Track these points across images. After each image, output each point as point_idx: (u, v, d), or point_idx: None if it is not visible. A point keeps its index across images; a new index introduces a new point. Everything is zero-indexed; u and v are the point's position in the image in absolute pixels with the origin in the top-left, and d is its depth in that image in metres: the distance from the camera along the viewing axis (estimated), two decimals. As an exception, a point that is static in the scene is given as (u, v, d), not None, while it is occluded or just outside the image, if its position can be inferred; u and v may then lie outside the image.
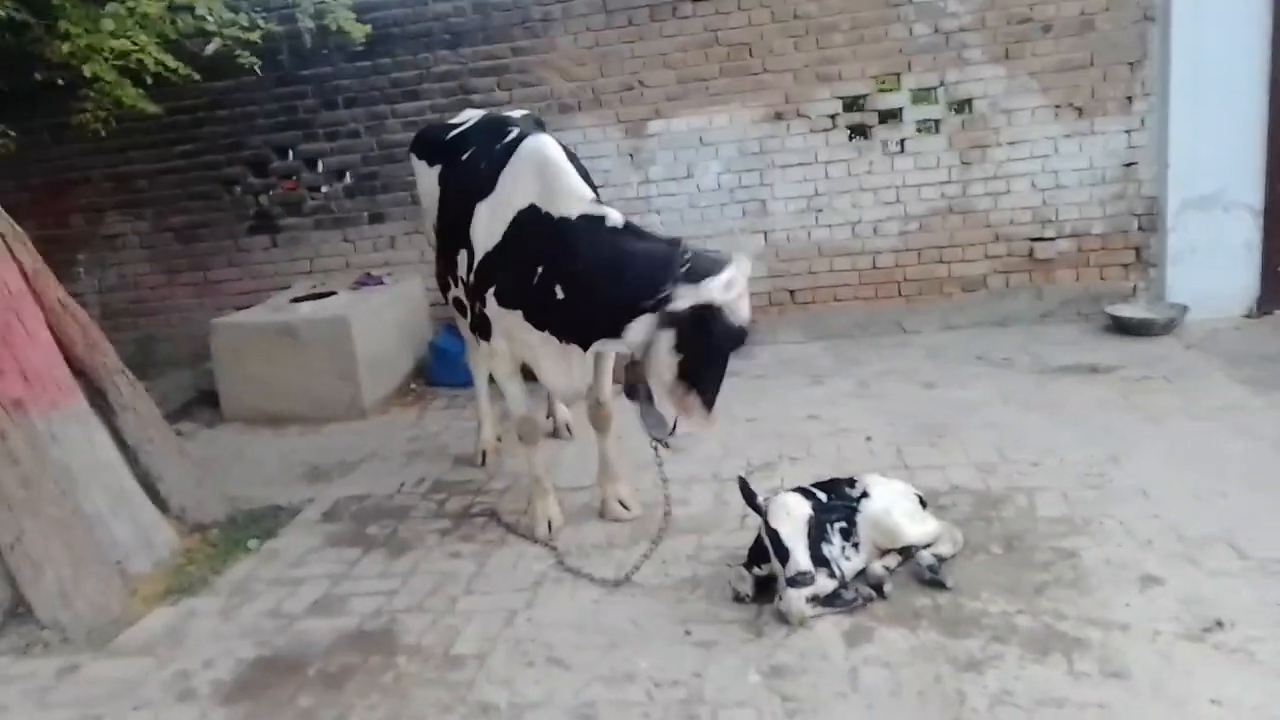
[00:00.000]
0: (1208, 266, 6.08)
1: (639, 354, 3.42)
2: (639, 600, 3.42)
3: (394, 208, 7.05)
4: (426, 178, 4.54)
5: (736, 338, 3.24)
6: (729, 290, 3.16)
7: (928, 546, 3.37)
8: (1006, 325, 6.45)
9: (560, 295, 3.53)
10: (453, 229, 4.06)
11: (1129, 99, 6.10)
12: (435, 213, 4.45)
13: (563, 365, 3.77)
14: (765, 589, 3.29)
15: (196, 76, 5.35)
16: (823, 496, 3.42)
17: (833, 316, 6.64)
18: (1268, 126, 5.84)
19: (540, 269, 3.56)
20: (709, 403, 3.37)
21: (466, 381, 6.36)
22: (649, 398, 3.49)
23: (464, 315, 4.25)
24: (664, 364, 3.32)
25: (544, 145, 3.65)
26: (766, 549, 3.17)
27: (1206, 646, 2.79)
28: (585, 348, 3.66)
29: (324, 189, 7.12)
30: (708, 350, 3.28)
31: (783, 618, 3.13)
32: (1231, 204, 5.99)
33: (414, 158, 4.70)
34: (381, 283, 6.78)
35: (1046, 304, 6.46)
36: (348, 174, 7.07)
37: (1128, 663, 2.74)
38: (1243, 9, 5.71)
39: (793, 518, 3.05)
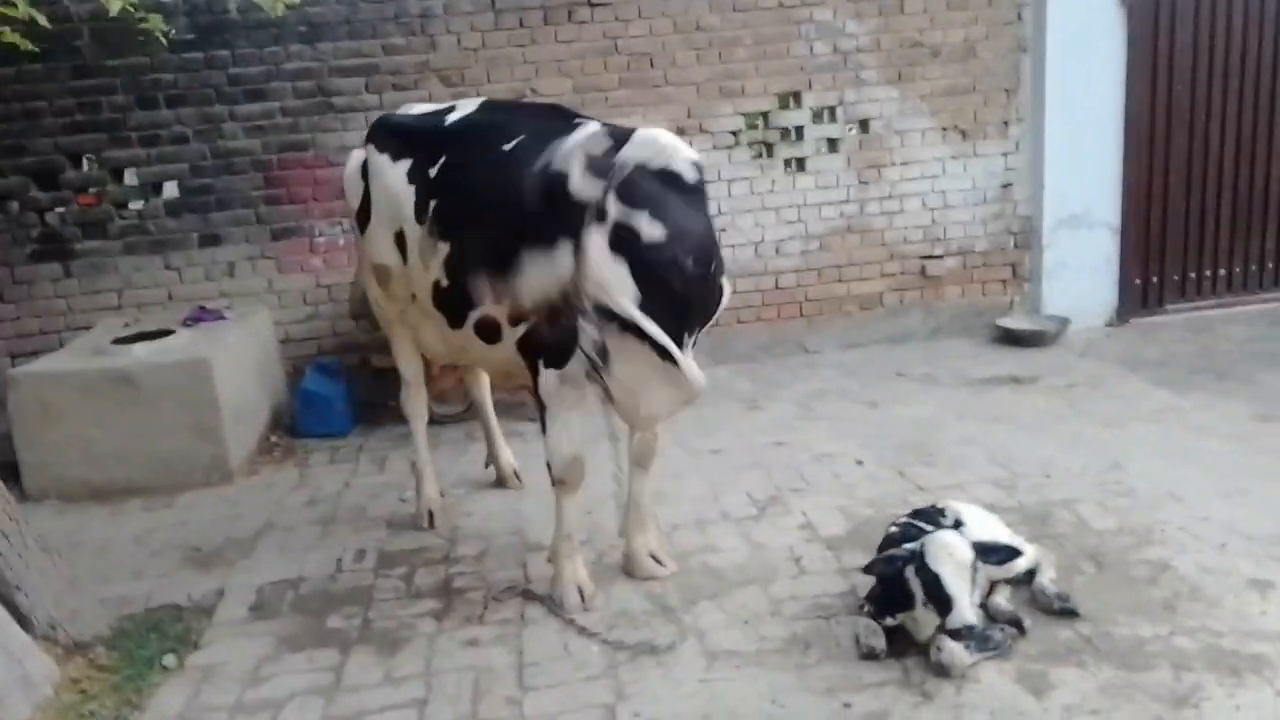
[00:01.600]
0: (1076, 280, 6.51)
1: None
2: (754, 673, 2.88)
3: (232, 228, 5.89)
4: (387, 176, 3.72)
5: None
6: None
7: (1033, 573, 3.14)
8: (902, 342, 6.53)
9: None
10: (493, 231, 3.22)
11: (1005, 124, 6.43)
12: (398, 218, 3.66)
13: (670, 388, 3.02)
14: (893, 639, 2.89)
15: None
16: (928, 527, 3.07)
17: (736, 339, 6.39)
18: (1123, 152, 6.36)
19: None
20: None
21: (342, 430, 5.47)
22: None
23: (489, 339, 3.43)
24: None
25: (664, 134, 3.04)
26: (907, 594, 2.78)
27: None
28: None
29: (136, 205, 5.81)
30: None
31: (941, 670, 2.74)
32: (1095, 222, 6.47)
33: (371, 150, 3.85)
34: (222, 317, 5.62)
35: (937, 319, 6.62)
36: (170, 187, 5.81)
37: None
38: (1103, 46, 6.20)
39: (955, 560, 2.68)
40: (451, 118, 3.64)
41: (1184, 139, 6.41)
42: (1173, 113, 6.36)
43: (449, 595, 3.56)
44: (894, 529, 3.12)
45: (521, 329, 3.27)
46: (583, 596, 3.39)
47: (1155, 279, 6.60)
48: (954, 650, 2.73)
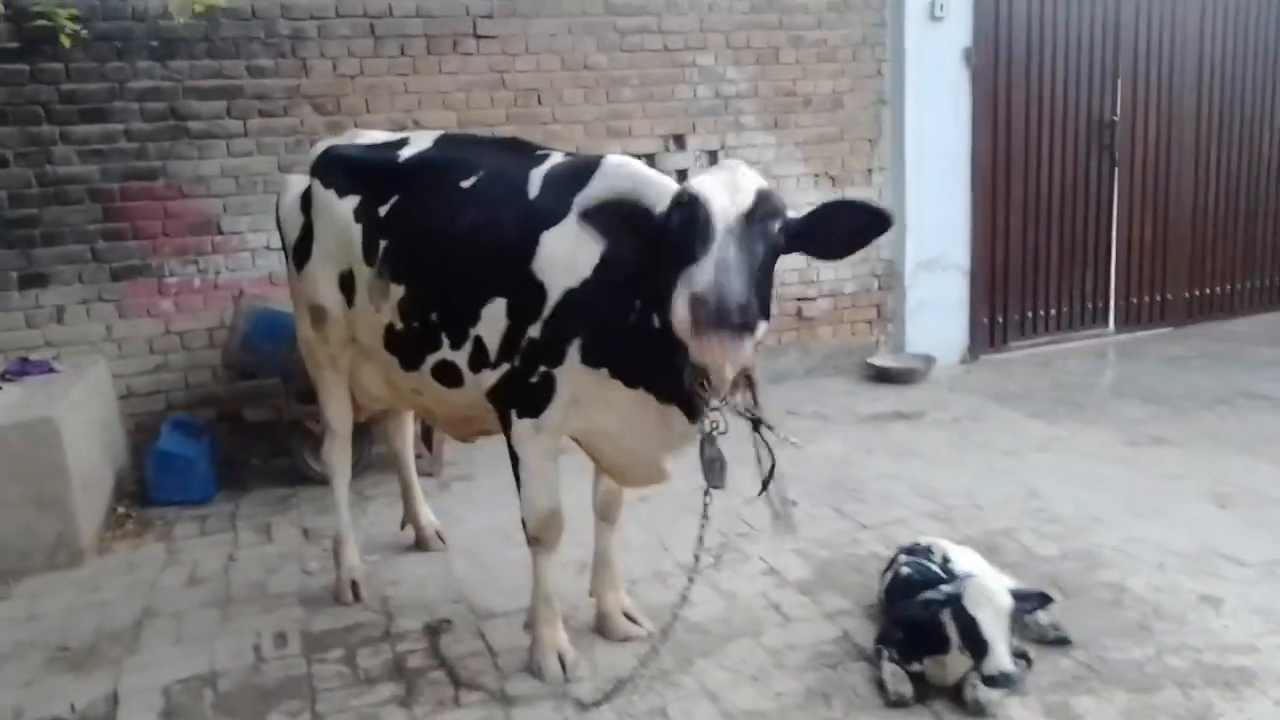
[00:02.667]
0: (934, 320, 6.93)
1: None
2: (785, 733, 2.73)
3: (62, 266, 5.10)
4: (334, 212, 3.33)
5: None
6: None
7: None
8: (780, 381, 6.64)
9: (658, 324, 2.60)
10: (455, 274, 3.02)
11: (869, 171, 6.77)
12: (346, 257, 3.29)
13: (660, 432, 2.84)
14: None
15: None
16: (936, 568, 3.07)
17: (624, 382, 6.25)
18: (970, 200, 6.87)
19: (639, 302, 2.68)
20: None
21: (204, 495, 4.85)
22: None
23: (449, 383, 3.13)
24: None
25: (632, 163, 2.89)
26: (942, 639, 2.73)
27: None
28: (696, 416, 2.72)
29: (-64, 239, 4.91)
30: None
31: (978, 710, 2.71)
32: (949, 265, 6.92)
33: (316, 184, 3.42)
34: (51, 369, 4.83)
35: (812, 359, 6.81)
36: (-19, 218, 4.97)
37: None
38: (952, 101, 6.69)
39: (995, 606, 2.65)
40: (405, 153, 3.32)
41: (1020, 188, 7.02)
42: (1011, 163, 6.94)
43: (407, 678, 3.15)
44: (905, 570, 3.08)
45: (492, 376, 2.99)
46: (564, 665, 3.10)
47: (1000, 318, 7.13)
48: (989, 691, 2.71)
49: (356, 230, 3.27)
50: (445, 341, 3.07)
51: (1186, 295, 7.75)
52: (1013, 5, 6.74)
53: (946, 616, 2.72)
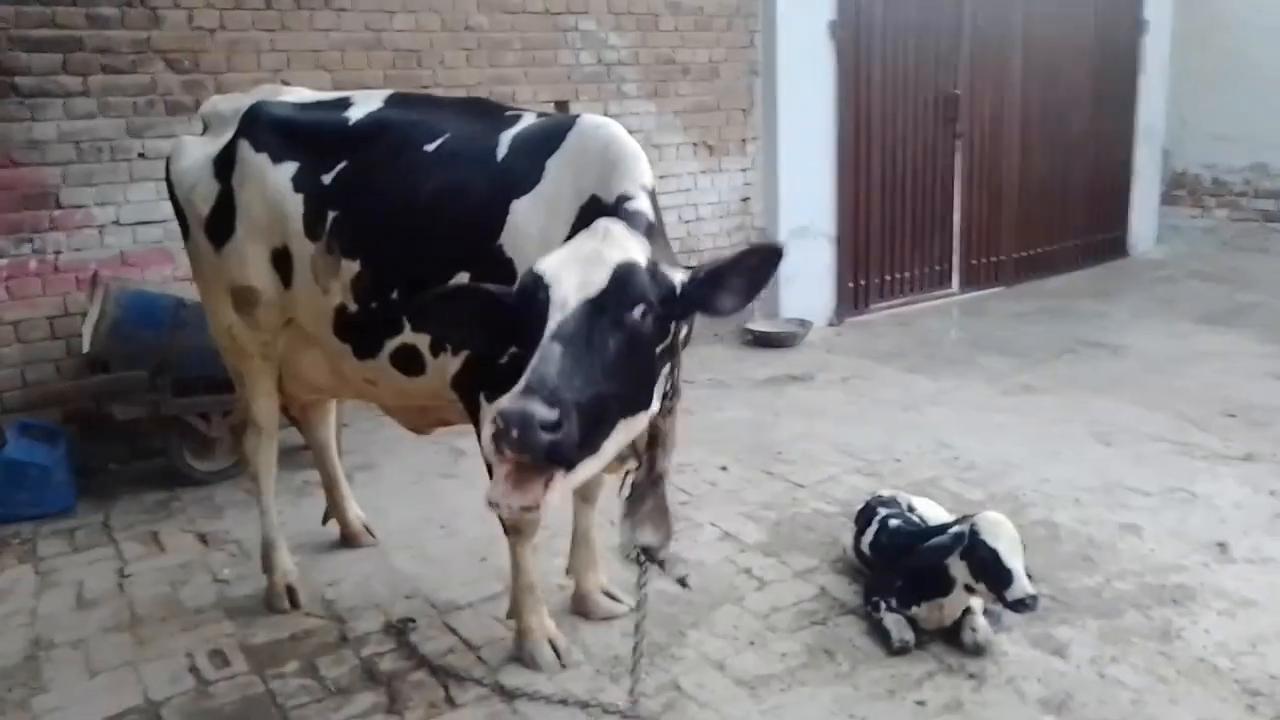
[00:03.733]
0: (805, 286, 7.14)
1: None
2: (805, 693, 2.73)
3: None
4: (266, 181, 2.95)
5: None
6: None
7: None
8: (666, 351, 6.66)
9: None
10: (418, 247, 2.74)
11: (744, 141, 6.87)
12: (280, 232, 2.94)
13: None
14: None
15: None
16: (915, 516, 3.17)
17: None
18: (836, 170, 7.13)
19: None
20: None
21: (63, 506, 4.30)
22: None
23: (410, 370, 2.86)
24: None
25: (611, 124, 2.67)
26: (947, 581, 2.82)
27: (1224, 558, 3.36)
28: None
29: None
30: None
31: (976, 650, 2.84)
32: (817, 233, 7.16)
33: (244, 147, 3.01)
34: None
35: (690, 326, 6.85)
36: None
37: (1220, 581, 3.18)
38: (819, 73, 6.89)
39: (1007, 537, 2.74)
40: (354, 114, 2.99)
41: (878, 159, 7.35)
42: (871, 135, 7.25)
43: (385, 683, 2.91)
44: (893, 521, 3.14)
45: (456, 361, 2.75)
46: (557, 651, 2.96)
47: (863, 282, 7.47)
48: (987, 628, 2.84)
49: (296, 200, 2.93)
50: (407, 324, 2.79)
51: (1015, 256, 8.43)
52: (873, -20, 7.01)
53: (954, 559, 2.80)
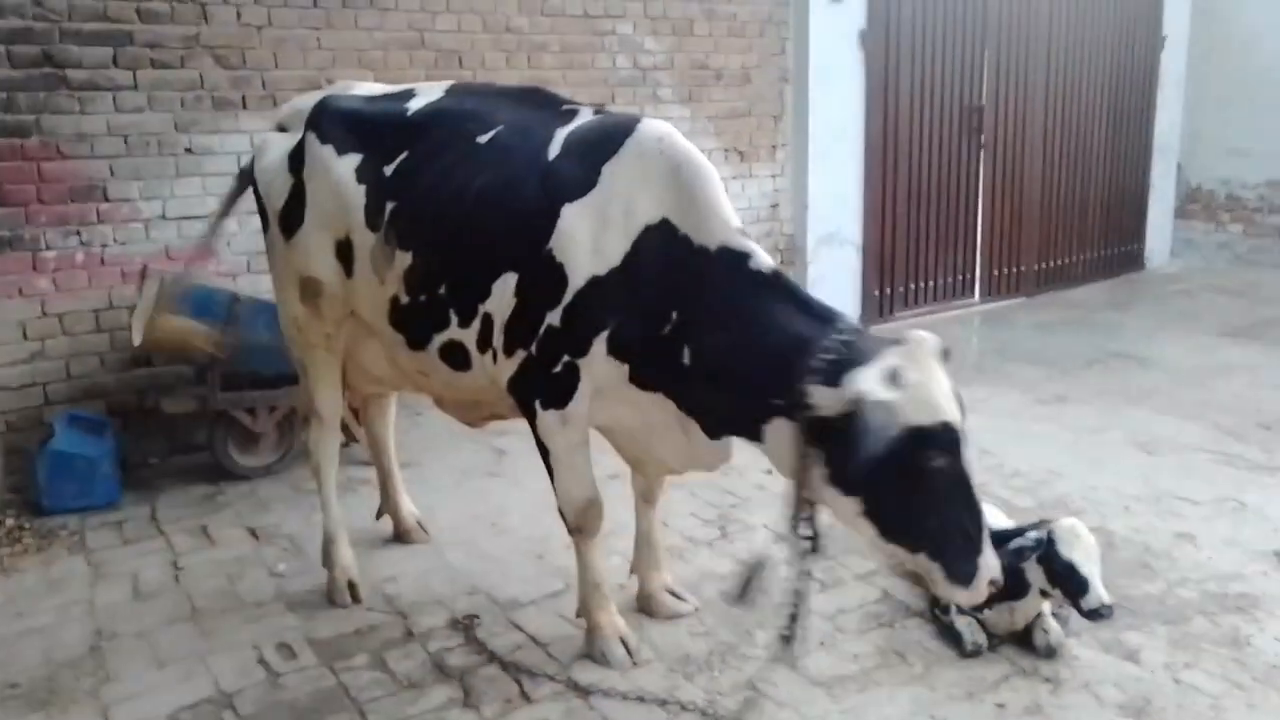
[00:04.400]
0: (831, 293, 7.12)
1: (791, 473, 2.41)
2: (883, 695, 2.75)
3: (-91, 238, 4.29)
4: (332, 173, 2.97)
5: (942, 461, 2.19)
6: (892, 386, 2.16)
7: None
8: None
9: (687, 360, 2.53)
10: (466, 241, 2.76)
11: (774, 147, 6.91)
12: (345, 223, 2.96)
13: (679, 437, 2.72)
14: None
15: None
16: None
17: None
18: (863, 177, 7.17)
19: (675, 314, 2.54)
20: (960, 572, 2.26)
21: (109, 499, 4.28)
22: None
23: (457, 365, 2.89)
24: (847, 511, 2.35)
25: (676, 136, 2.65)
26: (1023, 585, 2.83)
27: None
28: (716, 435, 2.69)
29: None
30: (926, 490, 2.22)
31: (1049, 652, 2.87)
32: (844, 240, 7.20)
33: (312, 139, 3.03)
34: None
35: (722, 333, 6.87)
36: None
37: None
38: (848, 81, 6.93)
39: (1084, 545, 2.75)
40: (414, 105, 3.01)
41: (905, 167, 7.39)
42: (898, 143, 7.30)
43: (458, 677, 2.91)
44: None
45: (509, 365, 2.75)
46: (628, 649, 2.97)
47: (888, 290, 7.51)
48: (1059, 631, 2.86)
49: (358, 191, 2.94)
50: (454, 319, 2.81)
51: (1037, 267, 8.47)
52: (903, -10, 7.06)
53: (1031, 563, 2.82)
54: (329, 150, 2.98)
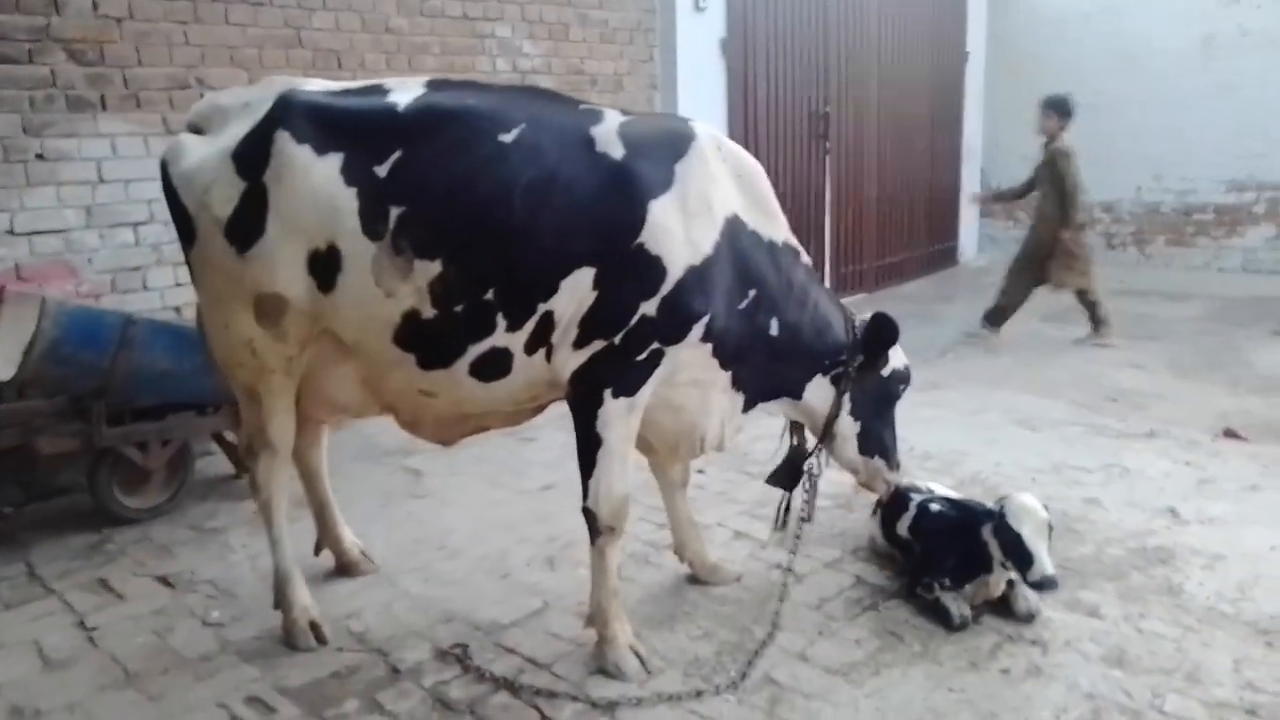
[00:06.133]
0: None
1: (806, 421, 3.27)
2: (895, 675, 2.85)
3: None
4: (312, 175, 2.70)
5: (904, 390, 3.37)
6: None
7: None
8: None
9: (775, 331, 3.00)
10: (520, 242, 2.67)
11: (645, 152, 6.98)
12: (326, 231, 2.72)
13: (726, 411, 3.11)
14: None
15: None
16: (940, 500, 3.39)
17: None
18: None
19: (753, 292, 2.92)
20: (895, 463, 3.35)
21: None
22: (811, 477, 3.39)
23: (491, 376, 2.78)
24: (848, 433, 3.24)
25: (728, 140, 3.00)
26: (987, 558, 3.04)
27: (1178, 521, 3.82)
28: (752, 405, 3.13)
29: None
30: (889, 413, 3.32)
31: (1029, 617, 3.09)
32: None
33: (284, 139, 2.71)
34: None
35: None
36: None
37: (1187, 540, 3.60)
38: (711, 84, 7.15)
39: (1034, 520, 2.96)
40: (399, 99, 2.81)
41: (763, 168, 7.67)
42: (756, 147, 7.56)
43: (469, 710, 2.75)
44: (935, 506, 3.32)
45: (579, 356, 2.75)
46: (641, 659, 2.92)
47: (753, 289, 7.77)
48: (1033, 596, 3.09)
49: (347, 195, 2.70)
50: (501, 324, 2.71)
51: (876, 265, 9.07)
52: (757, 2, 7.34)
53: (988, 536, 3.02)
54: (306, 150, 2.70)
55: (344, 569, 3.59)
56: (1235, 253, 9.39)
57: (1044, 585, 2.93)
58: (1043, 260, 6.86)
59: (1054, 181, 6.80)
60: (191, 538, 3.99)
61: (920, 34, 9.28)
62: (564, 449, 4.80)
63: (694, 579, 3.47)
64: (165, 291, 4.77)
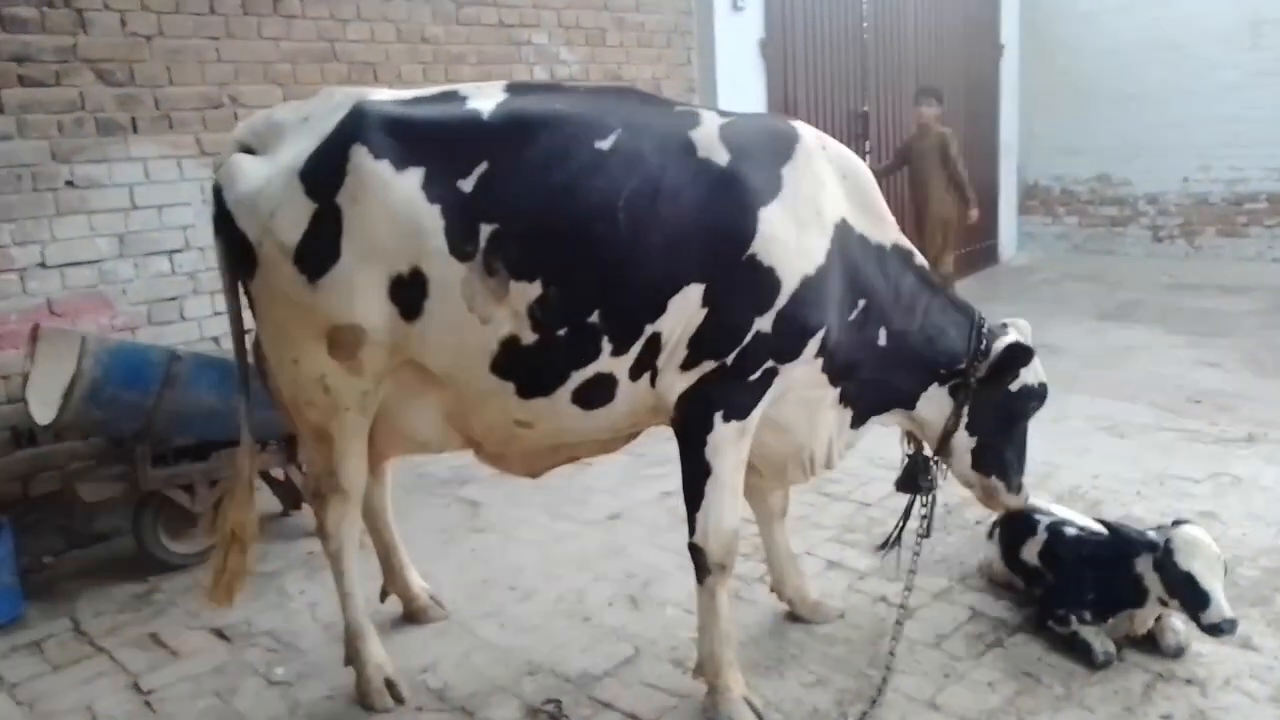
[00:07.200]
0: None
1: (920, 433, 3.02)
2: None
3: None
4: (391, 193, 2.44)
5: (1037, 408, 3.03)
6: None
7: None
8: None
9: (883, 342, 2.77)
10: (625, 259, 2.44)
11: (686, 159, 6.74)
12: (409, 253, 2.46)
13: (835, 430, 2.87)
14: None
15: None
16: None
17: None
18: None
19: (863, 302, 2.69)
20: (1016, 485, 3.03)
21: (12, 616, 3.54)
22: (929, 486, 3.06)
23: (593, 403, 2.55)
24: (964, 448, 2.96)
25: (833, 140, 2.77)
26: (1142, 591, 2.75)
27: None
28: (863, 420, 2.87)
29: None
30: (1015, 431, 3.02)
31: (1178, 652, 2.81)
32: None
33: (361, 154, 2.45)
34: None
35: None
36: None
37: None
38: (752, 86, 6.90)
39: (1206, 555, 2.65)
40: (481, 107, 2.55)
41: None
42: (798, 152, 7.32)
43: (571, 779, 2.48)
44: (1070, 530, 3.03)
45: (688, 378, 2.53)
46: (756, 711, 2.65)
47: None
48: (1182, 630, 2.80)
49: (431, 213, 2.44)
50: (606, 348, 2.46)
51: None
52: (795, 2, 7.10)
53: (1145, 568, 2.73)
54: (384, 165, 2.45)
55: (413, 616, 3.33)
56: (1290, 242, 9.06)
57: (1222, 630, 2.59)
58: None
59: (946, 164, 6.92)
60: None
61: (954, 28, 9.02)
62: (625, 473, 4.57)
63: (793, 616, 3.20)
64: (203, 322, 4.53)
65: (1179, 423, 4.92)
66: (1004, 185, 10.15)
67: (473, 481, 4.61)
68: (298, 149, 2.57)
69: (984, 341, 2.85)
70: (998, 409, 2.91)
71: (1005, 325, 2.98)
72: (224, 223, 2.65)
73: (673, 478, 4.39)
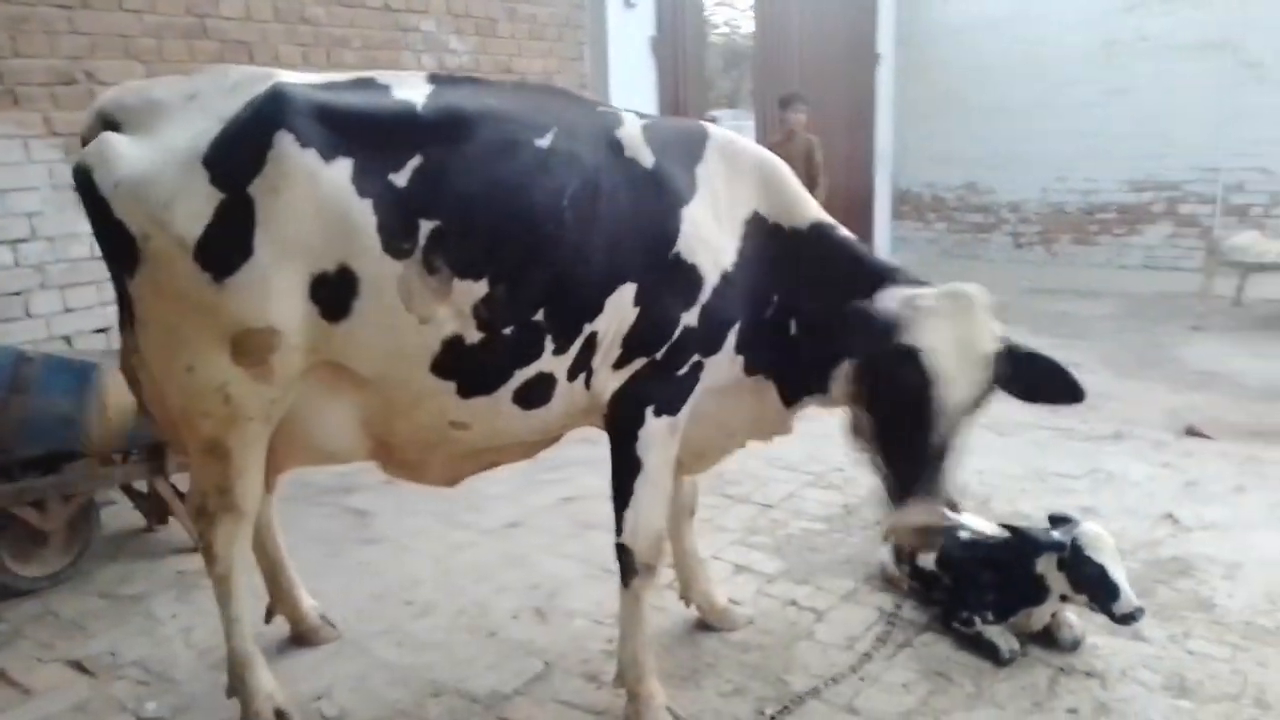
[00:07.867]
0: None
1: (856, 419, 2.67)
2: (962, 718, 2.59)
3: None
4: (319, 184, 2.22)
5: (928, 392, 2.35)
6: (922, 315, 2.38)
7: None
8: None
9: (794, 331, 2.66)
10: (569, 258, 2.38)
11: (576, 156, 6.63)
12: (335, 250, 2.27)
13: (756, 410, 2.77)
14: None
15: None
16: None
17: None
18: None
19: (776, 298, 2.65)
20: (929, 486, 2.39)
21: None
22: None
23: (534, 403, 2.48)
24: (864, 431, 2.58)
25: (739, 138, 2.73)
26: (1043, 590, 2.83)
27: (1180, 528, 3.73)
28: (790, 404, 2.77)
29: None
30: (900, 407, 2.40)
31: (1075, 645, 2.89)
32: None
33: (286, 141, 2.20)
34: None
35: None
36: None
37: (1197, 549, 3.50)
38: (642, 88, 6.85)
39: (1109, 549, 2.74)
40: (412, 97, 2.36)
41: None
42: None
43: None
44: (966, 534, 3.05)
45: (619, 376, 2.51)
46: (677, 718, 2.59)
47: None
48: (1078, 624, 2.90)
49: (363, 208, 2.25)
50: (549, 347, 2.39)
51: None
52: (685, 1, 7.09)
53: (1047, 567, 2.81)
54: (311, 155, 2.22)
55: (302, 637, 3.10)
56: (1136, 250, 9.70)
57: (1134, 618, 2.69)
58: None
59: (809, 168, 7.09)
60: (105, 609, 3.41)
61: (837, 35, 9.25)
62: (522, 479, 4.42)
63: (704, 624, 3.14)
64: (52, 319, 4.12)
65: (1053, 421, 5.14)
66: (879, 191, 10.50)
67: (359, 490, 4.37)
68: (193, 131, 2.29)
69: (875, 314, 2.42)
70: (897, 389, 2.40)
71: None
72: (97, 211, 2.36)
73: (572, 483, 4.36)
